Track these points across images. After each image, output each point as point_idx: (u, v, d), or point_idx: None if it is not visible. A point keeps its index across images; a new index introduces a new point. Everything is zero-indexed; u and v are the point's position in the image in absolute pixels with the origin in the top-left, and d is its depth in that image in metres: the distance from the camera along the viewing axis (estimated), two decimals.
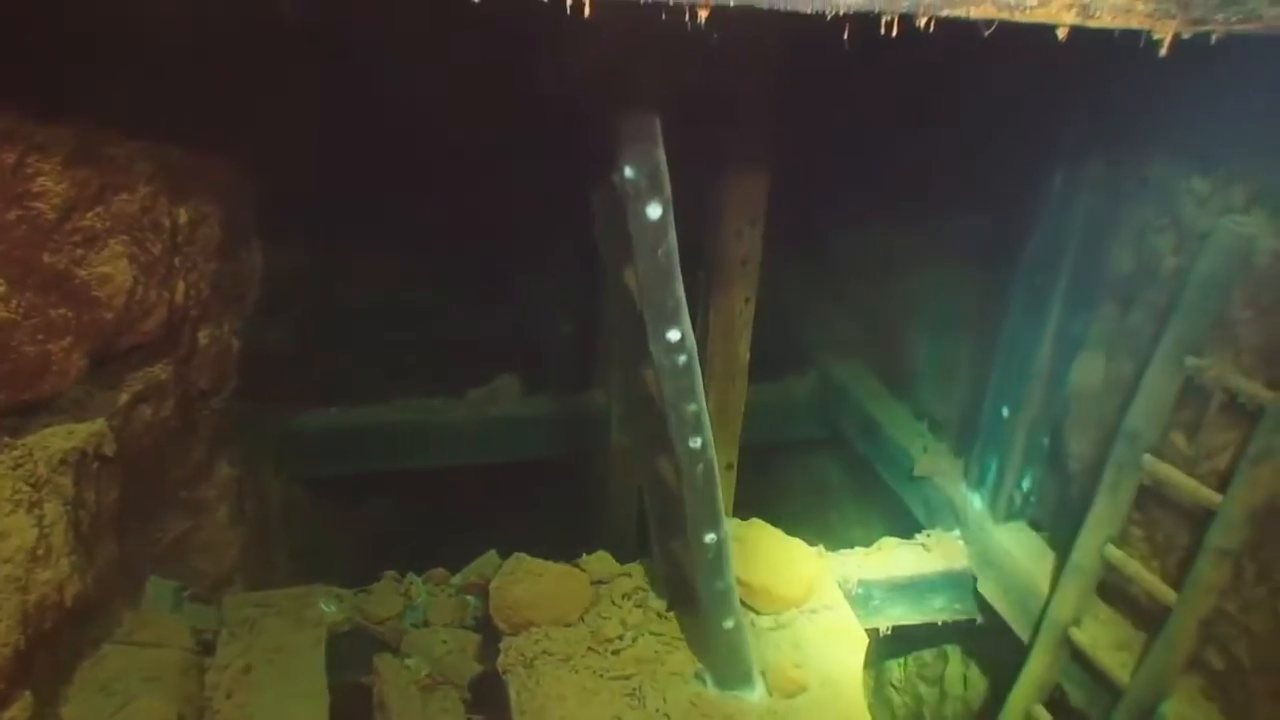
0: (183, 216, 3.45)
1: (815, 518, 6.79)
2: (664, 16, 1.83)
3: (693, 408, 3.10)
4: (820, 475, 6.80)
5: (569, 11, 1.76)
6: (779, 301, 5.30)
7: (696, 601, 3.53)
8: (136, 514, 3.61)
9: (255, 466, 5.10)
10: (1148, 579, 3.55)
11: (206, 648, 3.67)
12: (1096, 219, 3.90)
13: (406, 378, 6.10)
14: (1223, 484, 3.29)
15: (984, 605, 4.53)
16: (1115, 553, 3.67)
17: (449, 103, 5.58)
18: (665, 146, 2.84)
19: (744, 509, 4.87)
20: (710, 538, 3.34)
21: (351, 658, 3.91)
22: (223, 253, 3.85)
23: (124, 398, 3.33)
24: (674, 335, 3.00)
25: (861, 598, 4.43)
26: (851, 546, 6.19)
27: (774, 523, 4.30)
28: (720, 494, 3.29)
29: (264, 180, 4.43)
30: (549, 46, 3.45)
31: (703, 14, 1.82)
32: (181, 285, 3.47)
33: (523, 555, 3.97)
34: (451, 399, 6.08)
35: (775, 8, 1.80)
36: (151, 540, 3.83)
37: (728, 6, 1.80)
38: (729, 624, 3.49)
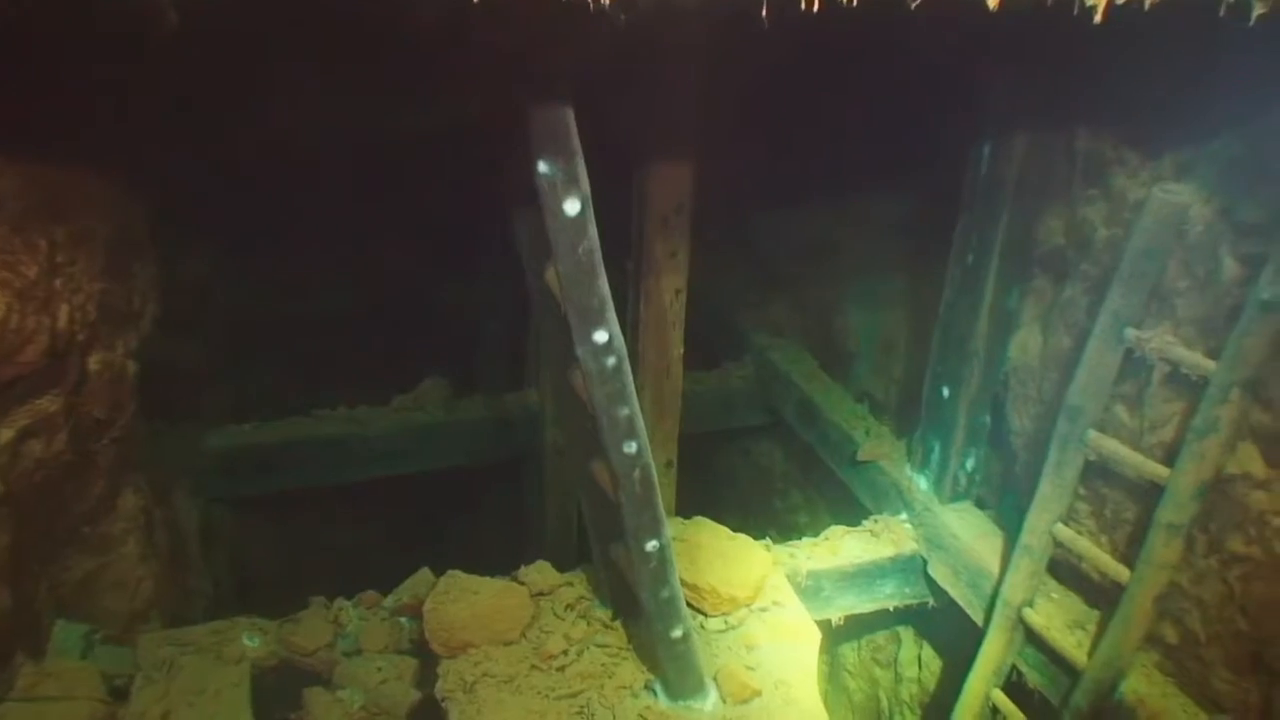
0: (61, 235, 3.19)
1: (760, 505, 6.71)
2: None
3: (625, 412, 2.95)
4: (763, 462, 6.70)
5: None
6: (710, 286, 5.19)
7: (642, 611, 3.39)
8: (35, 557, 3.37)
9: (167, 492, 4.85)
10: (1100, 557, 3.49)
11: (120, 694, 3.43)
12: (1026, 192, 3.84)
13: (327, 387, 5.86)
14: (1169, 456, 3.25)
15: (935, 588, 4.47)
16: (1065, 531, 3.60)
17: (360, 101, 5.38)
18: (582, 135, 2.69)
19: (686, 500, 4.77)
20: (652, 545, 3.20)
21: (279, 695, 3.69)
22: (112, 271, 3.60)
23: (8, 435, 3.08)
24: (601, 337, 2.84)
25: (811, 590, 4.34)
26: (798, 531, 6.14)
27: (718, 512, 4.20)
28: (660, 499, 3.15)
29: (160, 188, 4.18)
30: (454, 37, 3.27)
31: None
32: (65, 309, 3.22)
33: (457, 572, 3.80)
34: (376, 407, 5.85)
35: None
36: (55, 583, 3.59)
37: None
38: (677, 633, 3.35)
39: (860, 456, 4.95)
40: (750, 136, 5.50)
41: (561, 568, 4.01)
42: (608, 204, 2.92)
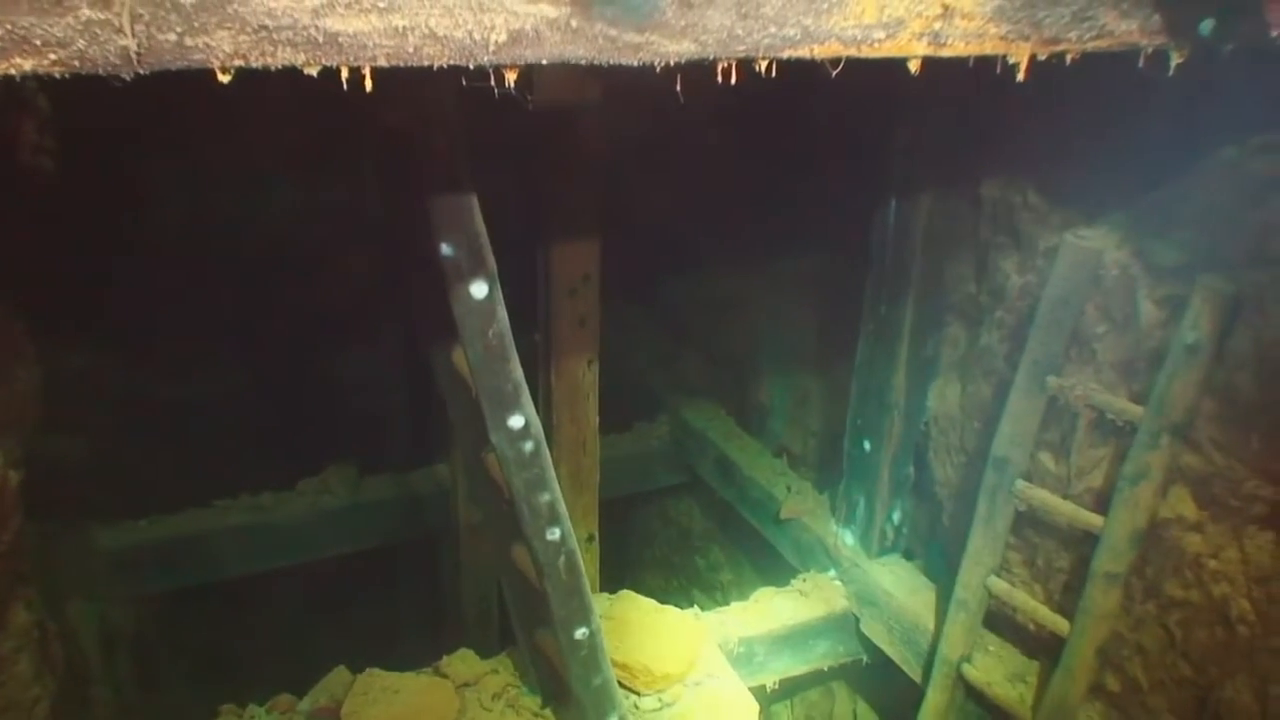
0: None
1: (682, 565, 6.58)
2: (465, 82, 1.55)
3: (546, 498, 2.81)
4: (683, 521, 6.58)
5: (345, 85, 1.45)
6: (619, 346, 5.09)
7: (574, 700, 3.23)
8: None
9: (62, 600, 4.54)
10: (1037, 609, 3.44)
11: None
12: (935, 242, 3.82)
13: (227, 476, 5.58)
14: (1098, 502, 3.21)
15: (868, 645, 4.38)
16: (999, 584, 3.54)
17: (254, 176, 5.20)
18: (484, 207, 2.57)
19: (606, 564, 4.63)
20: (582, 633, 3.06)
21: None
22: None
23: None
24: (517, 422, 2.70)
25: (744, 656, 4.22)
26: (723, 590, 6.02)
27: (639, 573, 4.08)
28: (586, 585, 3.01)
29: (35, 286, 3.93)
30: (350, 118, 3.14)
31: (511, 76, 1.54)
32: None
33: (375, 670, 3.60)
34: (281, 493, 5.60)
35: (596, 62, 1.54)
36: None
37: (540, 65, 1.53)
38: None
39: (783, 515, 4.87)
40: (655, 194, 5.46)
41: (484, 649, 3.83)
42: (510, 272, 2.80)
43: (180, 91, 1.73)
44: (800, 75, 1.81)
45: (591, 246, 3.76)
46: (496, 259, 2.63)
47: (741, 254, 5.38)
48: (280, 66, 1.41)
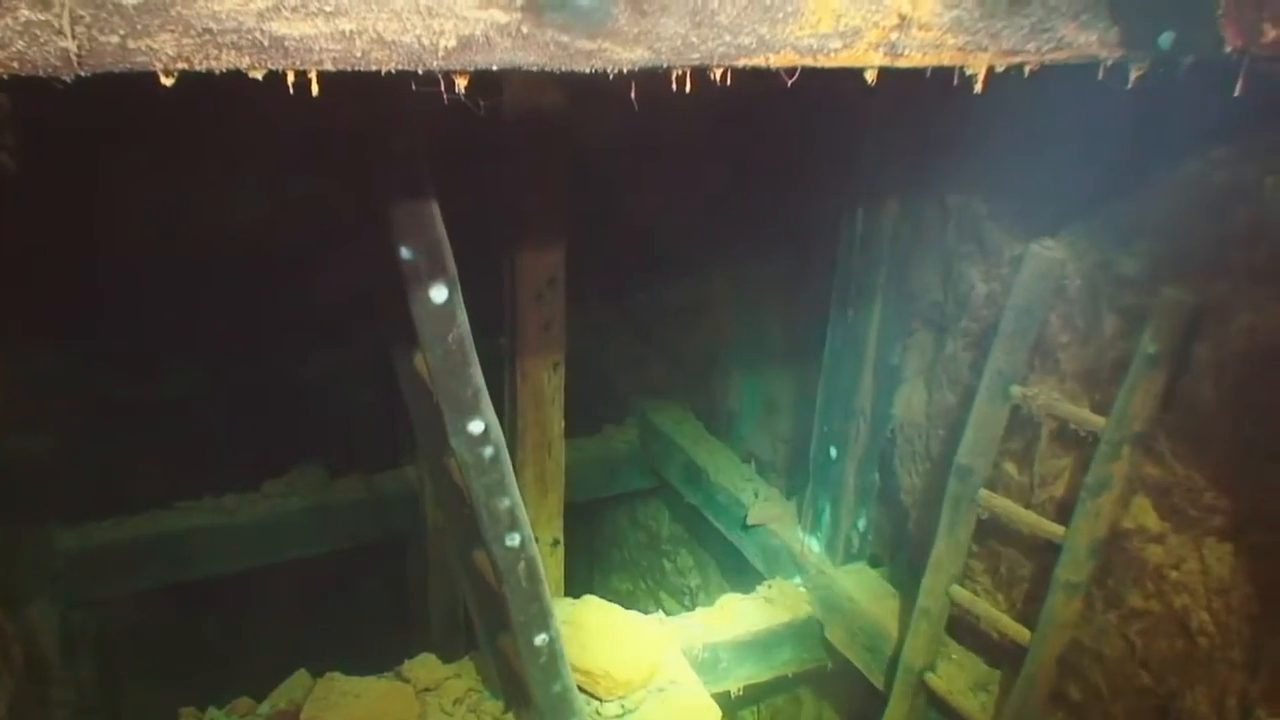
0: None
1: (650, 568, 6.56)
2: (415, 87, 1.53)
3: (506, 503, 2.79)
4: (651, 525, 6.56)
5: (292, 90, 1.43)
6: (588, 348, 5.07)
7: (534, 705, 3.21)
8: None
9: (20, 601, 4.49)
10: (999, 618, 3.44)
11: None
12: (902, 250, 3.82)
13: (191, 477, 5.52)
14: (1060, 511, 3.22)
15: (833, 652, 4.38)
16: (962, 593, 3.55)
17: (223, 176, 5.14)
18: (446, 211, 2.54)
19: (573, 565, 4.61)
20: (541, 639, 3.04)
21: None
22: None
23: None
24: (476, 427, 2.68)
25: (709, 662, 4.21)
26: (690, 594, 6.00)
27: (606, 575, 4.06)
28: (547, 591, 2.99)
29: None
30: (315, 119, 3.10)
31: (462, 82, 1.52)
32: None
33: (335, 675, 3.58)
34: (246, 495, 5.54)
35: (548, 69, 1.52)
36: None
37: (489, 71, 1.51)
38: None
39: (750, 521, 4.85)
40: (625, 197, 5.44)
41: (451, 653, 3.83)
42: (476, 275, 2.78)
43: (145, 91, 1.71)
44: (769, 82, 1.80)
45: (557, 251, 3.73)
46: (460, 262, 2.61)
47: (711, 258, 5.37)
48: (225, 70, 1.38)
